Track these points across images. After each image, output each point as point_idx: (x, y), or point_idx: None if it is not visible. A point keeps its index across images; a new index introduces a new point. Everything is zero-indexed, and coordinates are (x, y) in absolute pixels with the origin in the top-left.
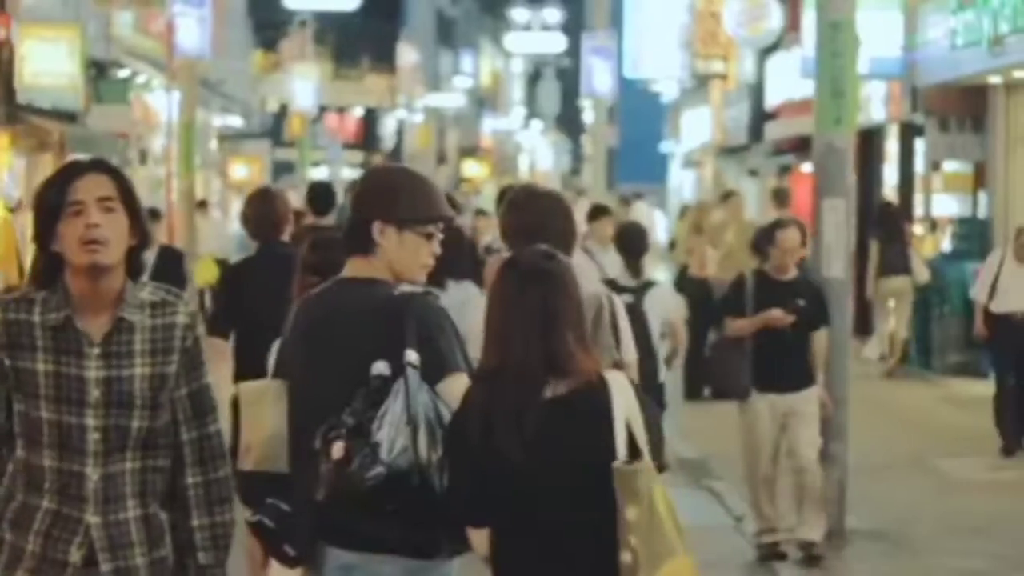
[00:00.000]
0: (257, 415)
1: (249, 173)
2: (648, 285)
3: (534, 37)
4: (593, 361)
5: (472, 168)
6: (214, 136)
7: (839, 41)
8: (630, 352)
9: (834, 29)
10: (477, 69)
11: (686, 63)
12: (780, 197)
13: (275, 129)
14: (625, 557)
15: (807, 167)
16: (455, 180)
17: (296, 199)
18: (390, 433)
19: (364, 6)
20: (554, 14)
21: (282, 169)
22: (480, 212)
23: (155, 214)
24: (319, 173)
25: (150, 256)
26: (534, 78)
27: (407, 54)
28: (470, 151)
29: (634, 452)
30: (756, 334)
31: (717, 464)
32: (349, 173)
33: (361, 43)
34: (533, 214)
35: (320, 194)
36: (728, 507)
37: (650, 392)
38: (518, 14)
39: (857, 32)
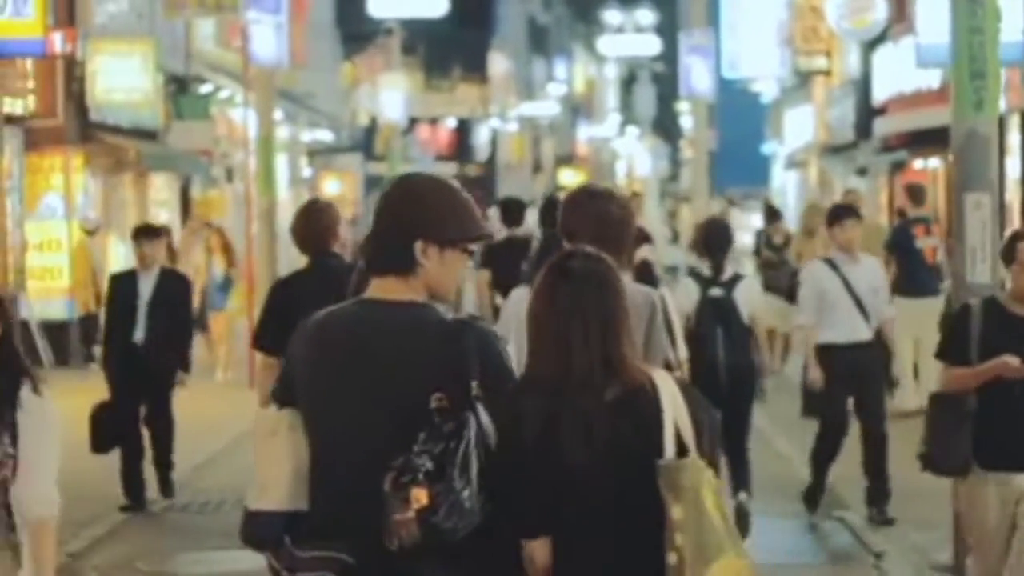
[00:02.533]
0: (275, 448)
1: (342, 188)
2: (736, 279)
3: (628, 40)
4: (641, 362)
5: (568, 176)
6: (303, 152)
7: (978, 16)
8: (682, 351)
9: (972, 2)
10: (571, 76)
11: (786, 61)
12: (916, 194)
13: (367, 143)
14: (670, 558)
15: (920, 163)
16: (552, 189)
17: None
18: (468, 476)
19: (453, 15)
20: (647, 16)
21: (374, 183)
22: None
23: (153, 232)
24: None
25: (148, 279)
26: (628, 82)
27: (499, 63)
28: (566, 159)
29: (682, 452)
30: (982, 388)
31: (847, 490)
32: None
33: (451, 53)
34: (589, 215)
35: None
36: (864, 541)
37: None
38: (610, 16)
39: (998, 5)
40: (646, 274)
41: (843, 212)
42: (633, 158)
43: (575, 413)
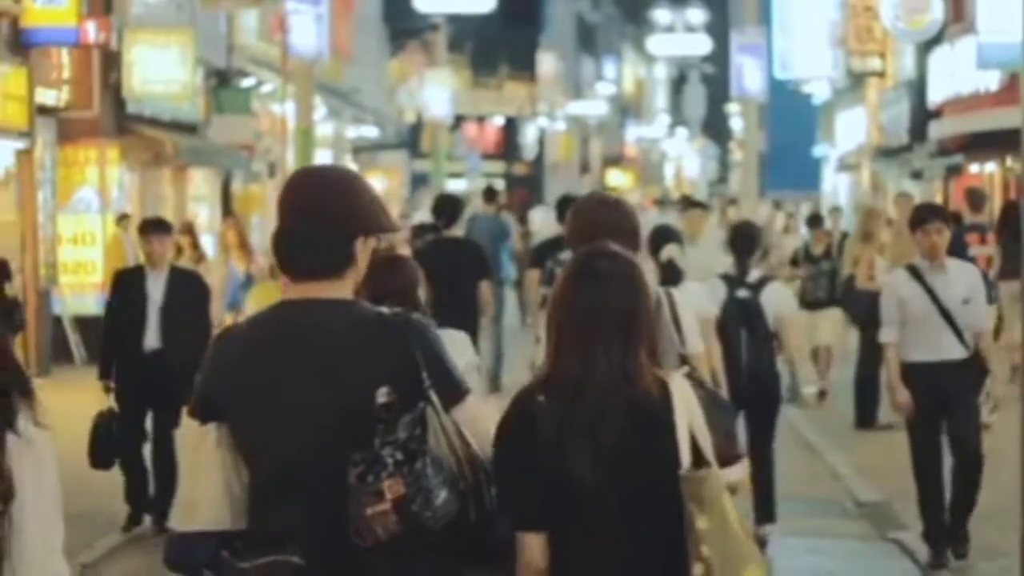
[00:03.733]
0: (203, 465)
1: (387, 186)
2: (764, 281)
3: (678, 39)
4: (657, 366)
5: (616, 178)
6: (348, 148)
7: None
8: (695, 345)
9: None
10: (620, 76)
11: (838, 62)
12: (977, 199)
13: (412, 140)
14: (697, 570)
15: (976, 167)
16: (599, 190)
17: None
18: (438, 463)
19: (501, 13)
20: (698, 15)
21: (420, 181)
22: None
23: (163, 226)
24: (457, 185)
25: (158, 280)
26: (678, 82)
27: (547, 61)
28: (614, 160)
29: (699, 459)
30: None
31: (903, 509)
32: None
33: (499, 50)
34: (592, 220)
35: (447, 206)
36: (924, 567)
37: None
38: (660, 15)
39: None
40: (671, 273)
41: (928, 214)
42: (682, 160)
43: (587, 418)
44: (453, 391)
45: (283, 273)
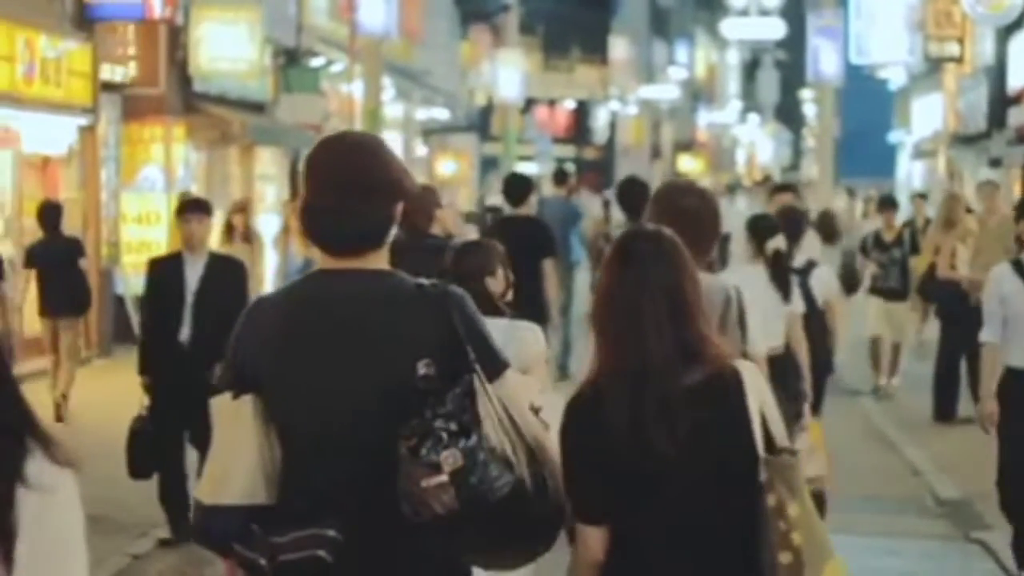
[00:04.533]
0: (236, 438)
1: (457, 169)
2: (811, 265)
3: (752, 23)
4: (725, 345)
5: (687, 163)
6: (418, 131)
7: None
8: (757, 345)
9: None
10: (692, 60)
11: (915, 47)
12: None
13: (483, 123)
14: (784, 558)
15: None
16: (670, 175)
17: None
18: (493, 435)
19: None
20: None
21: (490, 164)
22: None
23: (202, 207)
24: (527, 168)
25: (195, 266)
26: (751, 67)
27: (619, 44)
28: (685, 145)
29: (769, 445)
30: None
31: (986, 507)
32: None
33: (571, 33)
34: (673, 207)
35: (516, 185)
36: (1008, 569)
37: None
38: None
39: None
40: (780, 264)
41: None
42: (754, 146)
43: (656, 402)
44: (493, 364)
45: (322, 250)
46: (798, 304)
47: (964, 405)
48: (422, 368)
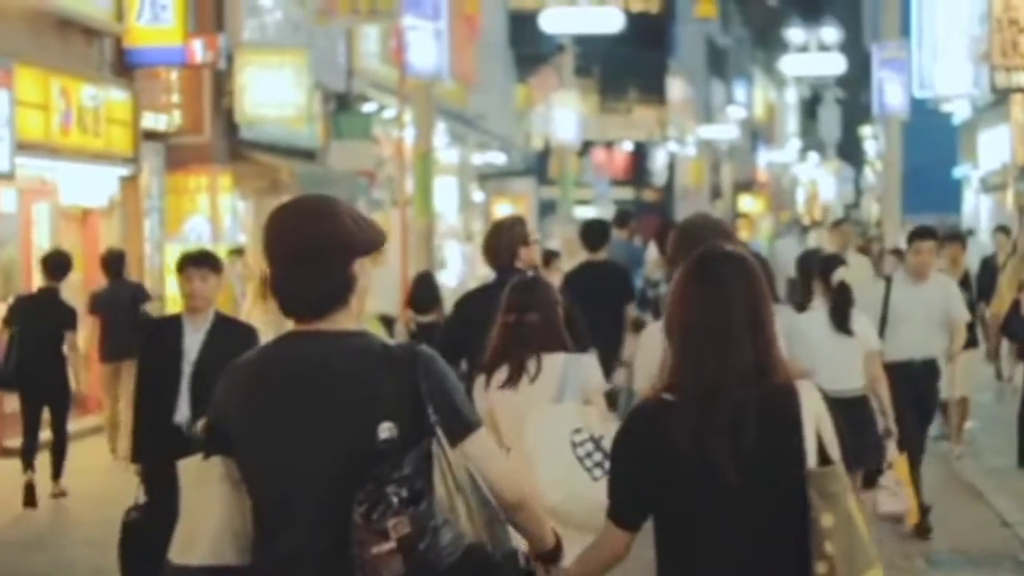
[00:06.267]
0: (202, 499)
1: (515, 213)
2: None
3: (811, 59)
4: (788, 364)
5: (748, 203)
6: (474, 176)
7: None
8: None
9: None
10: (750, 99)
11: (980, 79)
12: None
13: (540, 167)
14: (820, 568)
15: None
16: (731, 215)
17: (562, 237)
18: (445, 501)
19: (630, 36)
20: (832, 33)
21: (548, 208)
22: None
23: (208, 261)
24: (586, 212)
25: (198, 330)
26: (812, 104)
27: (677, 85)
28: (745, 185)
29: (824, 461)
30: None
31: None
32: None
33: (627, 74)
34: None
35: (594, 230)
36: None
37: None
38: (794, 34)
39: None
40: (844, 296)
41: None
42: (817, 184)
43: (726, 418)
44: (461, 424)
45: (288, 317)
46: (874, 341)
47: None
48: (384, 432)
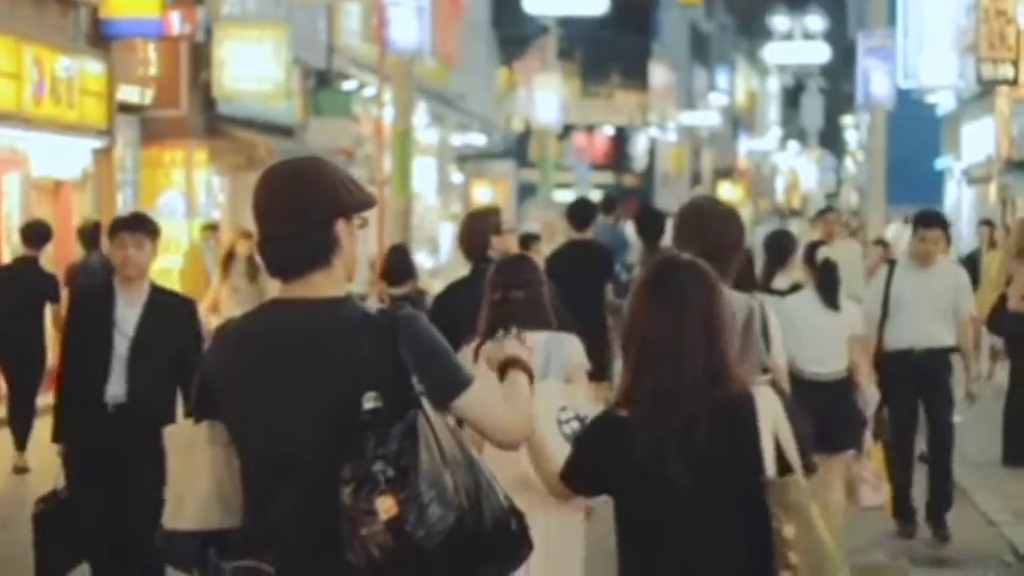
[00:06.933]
0: (190, 464)
1: (494, 195)
2: (795, 289)
3: (796, 47)
4: (746, 372)
5: (727, 190)
6: (453, 157)
7: None
8: (780, 356)
9: None
10: (732, 87)
11: (965, 70)
12: None
13: (520, 149)
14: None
15: None
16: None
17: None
18: (432, 477)
19: (613, 20)
20: (816, 22)
21: (528, 191)
22: None
23: (142, 224)
24: (566, 196)
25: (133, 303)
26: (794, 92)
27: (659, 70)
28: (725, 173)
29: (784, 468)
30: None
31: None
32: (598, 195)
33: (610, 59)
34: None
35: (581, 209)
36: None
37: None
38: (779, 22)
39: None
40: (829, 274)
41: None
42: (797, 173)
43: (679, 425)
44: (453, 382)
45: (273, 277)
46: (857, 325)
47: None
48: (368, 402)
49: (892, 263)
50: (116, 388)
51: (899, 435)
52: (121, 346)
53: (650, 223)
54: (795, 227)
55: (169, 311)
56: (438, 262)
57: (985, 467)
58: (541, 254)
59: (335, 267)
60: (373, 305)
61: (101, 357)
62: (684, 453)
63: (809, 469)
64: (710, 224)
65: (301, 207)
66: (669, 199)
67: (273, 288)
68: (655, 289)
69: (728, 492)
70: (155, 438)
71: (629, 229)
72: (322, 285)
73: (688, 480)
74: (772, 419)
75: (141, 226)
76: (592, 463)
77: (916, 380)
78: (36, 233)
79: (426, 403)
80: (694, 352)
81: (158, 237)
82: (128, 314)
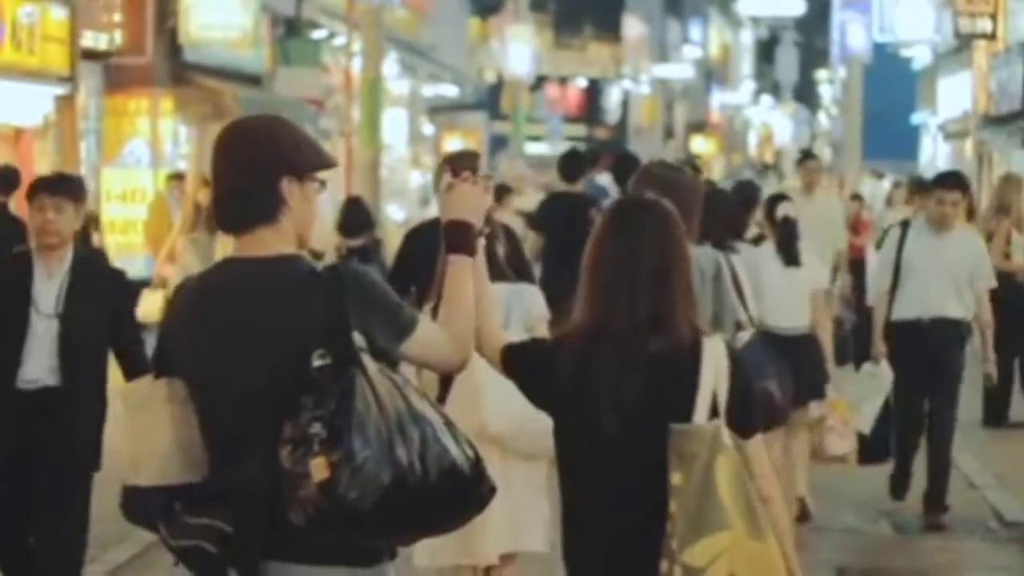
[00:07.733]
0: (148, 421)
1: (465, 148)
2: (758, 240)
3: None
4: (694, 320)
5: (700, 144)
6: (425, 108)
7: None
8: (751, 311)
9: None
10: (706, 40)
11: (942, 24)
12: None
13: (492, 101)
14: (668, 526)
15: None
16: (683, 155)
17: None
18: (367, 435)
19: None
20: None
21: (500, 143)
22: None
23: (65, 185)
24: (537, 148)
25: (53, 274)
26: (766, 47)
27: (632, 22)
28: (698, 126)
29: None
30: None
31: None
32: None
33: (583, 10)
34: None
35: (574, 161)
36: None
37: None
38: None
39: None
40: (788, 231)
41: None
42: (771, 127)
43: (608, 369)
44: (399, 328)
45: (224, 232)
46: (822, 280)
47: (1016, 409)
48: (316, 359)
49: (905, 224)
50: (32, 368)
51: (908, 410)
52: (38, 324)
53: (628, 170)
54: (771, 183)
55: (98, 283)
56: (408, 214)
57: (964, 428)
58: (513, 207)
59: (282, 224)
60: (325, 263)
61: (15, 334)
62: (613, 394)
63: (745, 436)
64: (665, 175)
65: (248, 163)
66: (642, 152)
67: (229, 244)
68: (613, 223)
69: (652, 436)
70: (89, 421)
71: (605, 180)
72: (271, 242)
73: (614, 424)
74: (715, 370)
75: (63, 188)
76: (532, 362)
77: (924, 353)
78: (5, 179)
79: (367, 359)
80: (642, 291)
81: (83, 201)
82: (48, 288)
